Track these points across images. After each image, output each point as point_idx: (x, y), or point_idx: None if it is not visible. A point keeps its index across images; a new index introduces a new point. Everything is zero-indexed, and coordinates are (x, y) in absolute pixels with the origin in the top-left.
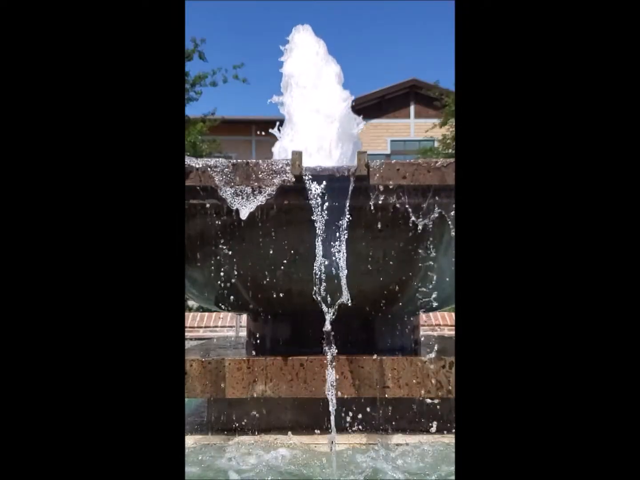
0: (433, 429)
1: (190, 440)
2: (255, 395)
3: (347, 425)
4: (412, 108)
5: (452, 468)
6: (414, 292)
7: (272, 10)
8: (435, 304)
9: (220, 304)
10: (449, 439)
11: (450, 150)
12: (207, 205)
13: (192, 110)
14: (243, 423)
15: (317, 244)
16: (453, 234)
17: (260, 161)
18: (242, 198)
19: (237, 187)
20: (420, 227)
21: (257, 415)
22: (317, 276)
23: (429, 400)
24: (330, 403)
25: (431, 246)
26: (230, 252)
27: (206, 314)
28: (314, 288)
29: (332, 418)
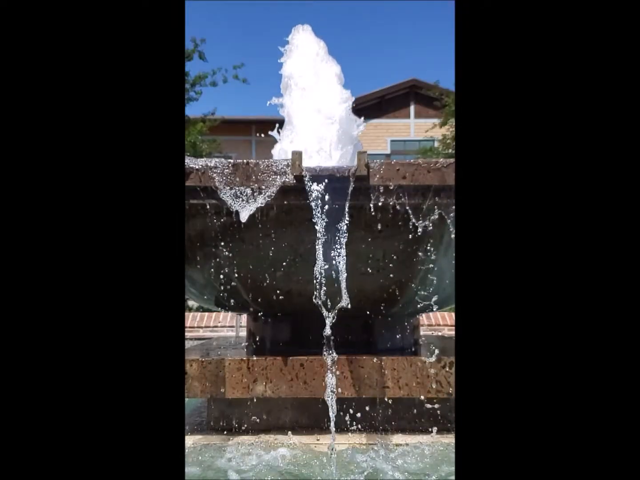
0: (433, 429)
1: (190, 440)
2: (255, 396)
3: (347, 425)
4: (412, 108)
5: (452, 468)
6: (414, 293)
7: (272, 10)
8: (435, 304)
9: (220, 304)
10: (449, 439)
11: (450, 150)
12: (207, 206)
13: (192, 110)
14: (243, 423)
15: (317, 247)
16: (453, 234)
17: (260, 161)
18: (242, 200)
19: (237, 188)
20: (420, 227)
21: (257, 415)
22: (317, 280)
23: (428, 401)
24: (330, 409)
25: (431, 246)
26: (230, 253)
27: (206, 314)
28: (315, 292)
29: (332, 424)
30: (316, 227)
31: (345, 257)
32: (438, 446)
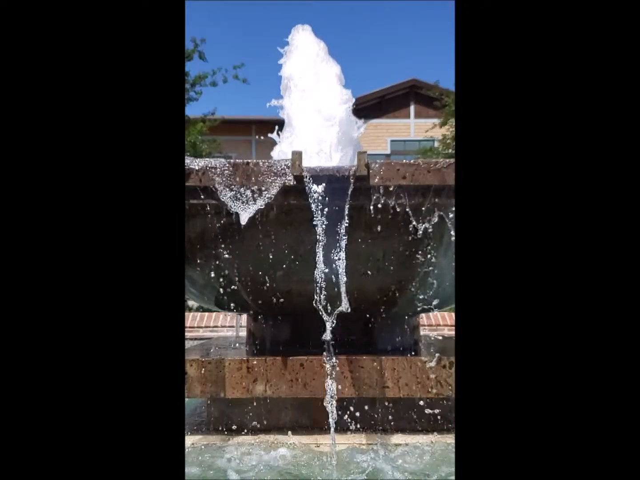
0: (433, 429)
1: (190, 440)
2: (255, 396)
3: (347, 425)
4: (412, 108)
5: (452, 468)
6: (413, 293)
7: (272, 10)
8: (435, 304)
9: (220, 305)
10: (449, 439)
11: (450, 150)
12: (207, 206)
13: (192, 110)
14: (243, 423)
15: (317, 250)
16: (453, 234)
17: (260, 162)
18: (242, 202)
19: (237, 190)
20: (420, 227)
21: (257, 415)
22: (317, 284)
23: (428, 401)
24: (330, 416)
25: (431, 247)
26: (230, 253)
27: (206, 314)
28: (315, 296)
29: (332, 430)
30: (316, 228)
31: (345, 261)
32: (438, 446)
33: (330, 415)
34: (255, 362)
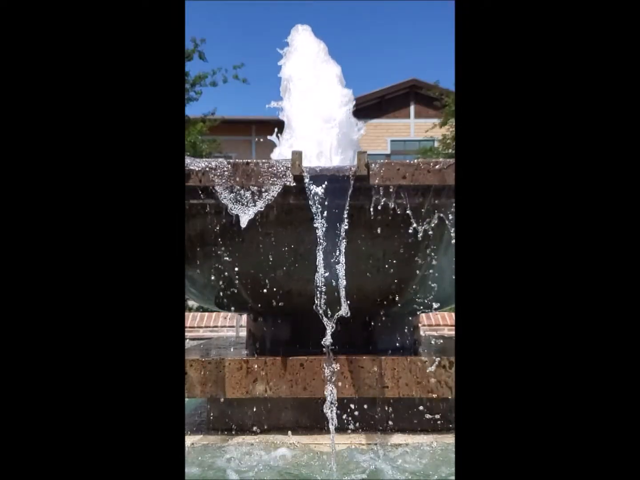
0: (433, 429)
1: (190, 440)
2: (255, 396)
3: (347, 425)
4: (412, 108)
5: (452, 468)
6: (413, 292)
7: (272, 10)
8: (435, 304)
9: (220, 304)
10: (449, 439)
11: (450, 150)
12: (207, 206)
13: (192, 110)
14: (243, 423)
15: (318, 253)
16: (453, 234)
17: (260, 162)
18: (243, 204)
19: (236, 192)
20: (420, 228)
21: (257, 415)
22: (318, 288)
23: (428, 401)
24: (330, 423)
25: (431, 246)
26: (230, 252)
27: (206, 314)
28: (316, 300)
29: (332, 434)
30: (317, 230)
31: (344, 265)
32: (438, 446)
33: (330, 422)
34: (255, 363)
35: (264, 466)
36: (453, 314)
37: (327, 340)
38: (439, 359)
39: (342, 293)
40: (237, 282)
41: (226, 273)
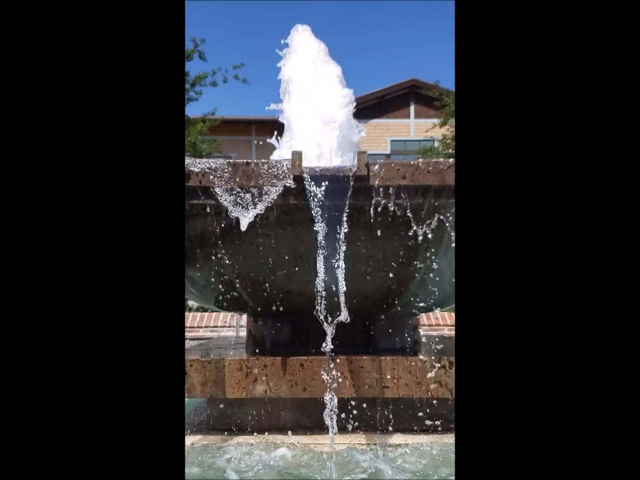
0: (433, 429)
1: (190, 440)
2: (255, 396)
3: (347, 425)
4: (412, 108)
5: (452, 468)
6: (413, 292)
7: (272, 10)
8: (434, 304)
9: (220, 304)
10: (449, 439)
11: (450, 150)
12: (207, 206)
13: (192, 110)
14: (243, 423)
15: (318, 257)
16: (453, 234)
17: (260, 162)
18: (243, 207)
19: (236, 194)
20: (420, 229)
21: (257, 415)
22: (318, 293)
23: (428, 401)
24: (330, 430)
25: (431, 246)
26: (230, 253)
27: (206, 314)
28: (317, 306)
29: (332, 437)
30: (317, 231)
31: (344, 269)
32: (438, 446)
33: (330, 430)
34: (255, 363)
35: (263, 466)
36: (453, 314)
37: (328, 347)
38: (439, 359)
39: (342, 298)
40: (237, 282)
41: (226, 273)
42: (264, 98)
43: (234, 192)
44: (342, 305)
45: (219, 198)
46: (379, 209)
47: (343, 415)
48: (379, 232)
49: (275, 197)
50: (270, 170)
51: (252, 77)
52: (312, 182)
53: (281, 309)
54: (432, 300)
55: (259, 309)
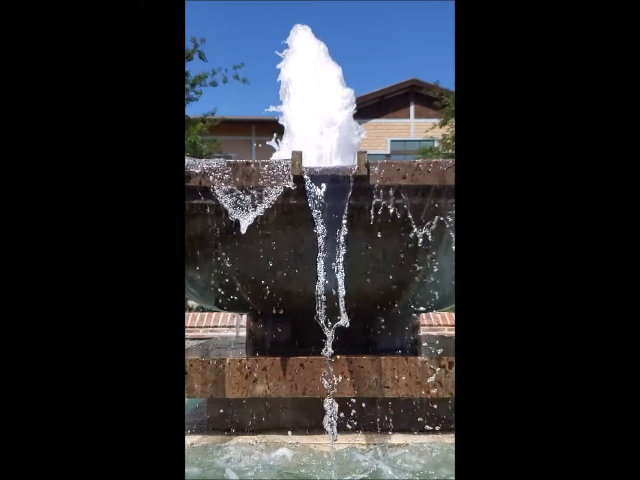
0: (433, 429)
1: (190, 440)
2: (255, 396)
3: (347, 425)
4: (412, 108)
5: (452, 469)
6: (413, 292)
7: (272, 10)
8: (434, 304)
9: (220, 304)
10: (449, 439)
11: (450, 150)
12: (207, 206)
13: (192, 110)
14: (243, 423)
15: (318, 261)
16: (452, 234)
17: (260, 163)
18: (242, 209)
19: (237, 196)
20: (420, 229)
21: (257, 415)
22: (319, 298)
23: (428, 401)
24: (331, 437)
25: (431, 246)
26: (230, 253)
27: (206, 314)
28: (317, 311)
29: (332, 450)
30: (317, 236)
31: (344, 273)
32: (438, 446)
33: (331, 436)
34: (255, 363)
35: (263, 466)
36: (453, 314)
37: (328, 351)
38: (439, 358)
39: (342, 303)
40: (236, 282)
41: (226, 273)
42: (264, 98)
43: (234, 194)
44: (342, 310)
45: (219, 200)
46: (379, 208)
47: (342, 414)
48: (379, 232)
49: (275, 199)
50: (270, 171)
51: (252, 77)
52: (312, 182)
53: (281, 309)
54: (432, 300)
55: (259, 308)
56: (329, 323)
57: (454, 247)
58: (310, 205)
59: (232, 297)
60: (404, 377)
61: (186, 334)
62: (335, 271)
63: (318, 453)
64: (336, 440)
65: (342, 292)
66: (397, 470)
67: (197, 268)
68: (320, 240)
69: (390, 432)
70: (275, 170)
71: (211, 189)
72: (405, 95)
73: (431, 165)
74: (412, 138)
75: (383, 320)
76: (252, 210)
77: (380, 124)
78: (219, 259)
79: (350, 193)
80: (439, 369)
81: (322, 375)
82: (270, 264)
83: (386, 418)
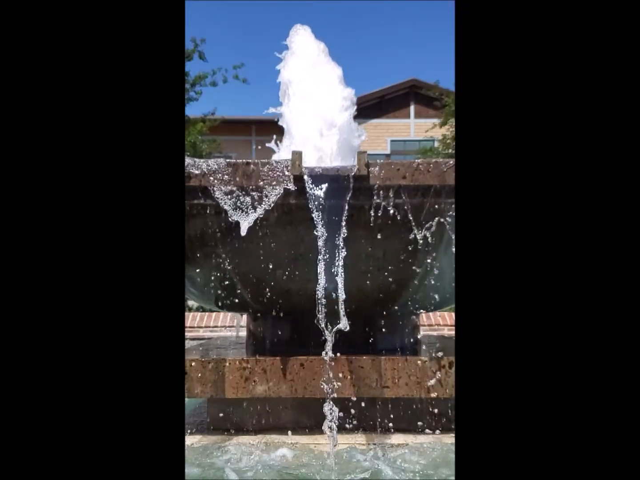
0: (433, 429)
1: (190, 440)
2: (255, 396)
3: (347, 425)
4: (412, 108)
5: (452, 469)
6: (413, 292)
7: (272, 10)
8: (434, 304)
9: (220, 304)
10: (449, 439)
11: (450, 150)
12: (207, 206)
13: (192, 110)
14: (243, 423)
15: (319, 263)
16: (452, 234)
17: (260, 163)
18: (242, 210)
19: (236, 197)
20: (419, 230)
21: (257, 415)
22: (319, 301)
23: (428, 401)
24: (331, 442)
25: (431, 246)
26: (229, 252)
27: (206, 314)
28: (318, 314)
29: (332, 442)
30: (316, 230)
31: (343, 276)
32: (438, 446)
33: (331, 441)
34: (255, 362)
35: (263, 466)
36: (453, 314)
37: (328, 354)
38: (439, 359)
39: (342, 306)
40: (236, 281)
41: (226, 272)
42: (264, 98)
43: (234, 195)
44: (342, 313)
45: (219, 201)
46: (379, 208)
47: (342, 414)
48: (379, 232)
49: (275, 200)
50: (270, 171)
51: (252, 77)
52: (312, 183)
53: (281, 308)
54: (432, 300)
55: (259, 308)
56: (329, 326)
57: (453, 248)
58: (310, 205)
59: (232, 296)
60: (403, 377)
61: (186, 334)
62: (335, 274)
63: (318, 453)
64: (336, 445)
65: (342, 295)
66: (397, 470)
67: (197, 268)
68: (320, 242)
69: (390, 432)
70: (275, 170)
71: (211, 190)
72: (405, 95)
73: (431, 165)
74: (412, 138)
75: (383, 320)
76: (252, 212)
77: (380, 124)
78: (219, 258)
79: (350, 193)
80: (439, 369)
81: (322, 380)
82: (271, 263)
83: (386, 418)
